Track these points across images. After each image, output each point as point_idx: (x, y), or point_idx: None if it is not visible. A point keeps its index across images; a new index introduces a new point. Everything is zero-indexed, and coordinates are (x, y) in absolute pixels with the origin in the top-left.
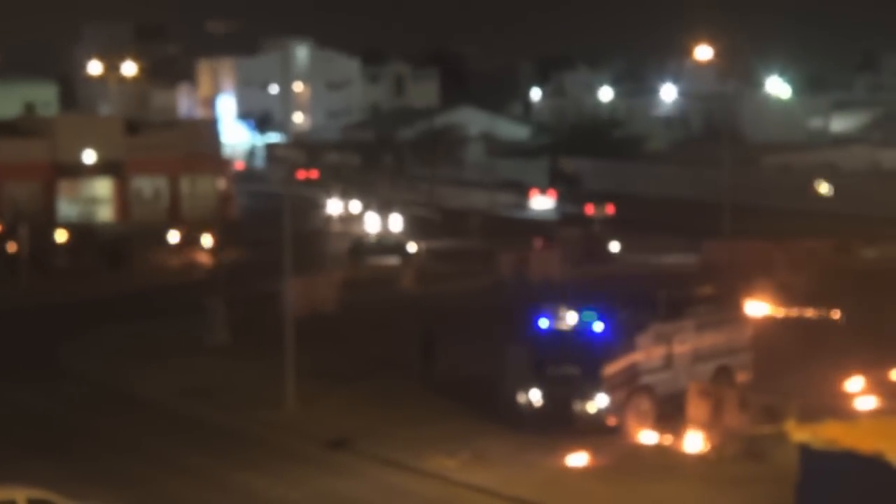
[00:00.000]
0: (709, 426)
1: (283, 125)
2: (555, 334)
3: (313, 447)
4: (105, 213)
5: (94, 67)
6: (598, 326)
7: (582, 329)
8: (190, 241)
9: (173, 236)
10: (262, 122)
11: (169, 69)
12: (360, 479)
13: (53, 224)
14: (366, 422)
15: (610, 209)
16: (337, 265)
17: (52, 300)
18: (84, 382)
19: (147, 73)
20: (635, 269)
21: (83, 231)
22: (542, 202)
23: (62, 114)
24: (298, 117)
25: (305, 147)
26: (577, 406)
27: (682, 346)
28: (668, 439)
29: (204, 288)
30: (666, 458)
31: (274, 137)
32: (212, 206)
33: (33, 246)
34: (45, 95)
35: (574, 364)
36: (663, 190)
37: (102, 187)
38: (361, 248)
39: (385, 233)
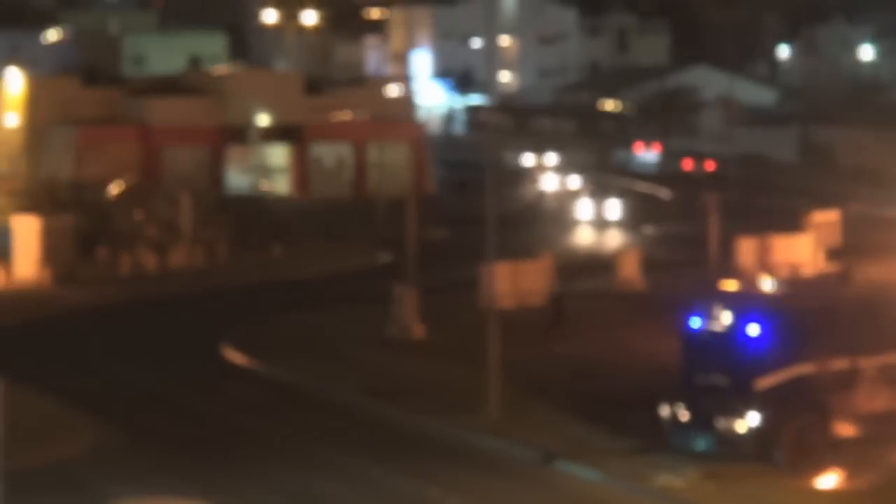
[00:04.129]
0: None
1: (487, 85)
2: (706, 337)
3: (519, 460)
4: (280, 185)
5: (269, 16)
6: (754, 330)
7: (736, 332)
8: None
9: None
10: (462, 82)
11: (355, 19)
12: (573, 500)
13: (220, 197)
14: (578, 432)
15: (709, 166)
16: (548, 250)
17: (215, 285)
18: (250, 379)
19: (330, 22)
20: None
21: (254, 206)
22: (646, 155)
23: (232, 69)
24: (505, 76)
25: (512, 111)
26: (720, 423)
27: (872, 360)
28: None
29: (391, 273)
30: None
31: (476, 99)
32: (402, 178)
33: (196, 222)
34: (212, 48)
35: (723, 373)
36: None
37: (278, 155)
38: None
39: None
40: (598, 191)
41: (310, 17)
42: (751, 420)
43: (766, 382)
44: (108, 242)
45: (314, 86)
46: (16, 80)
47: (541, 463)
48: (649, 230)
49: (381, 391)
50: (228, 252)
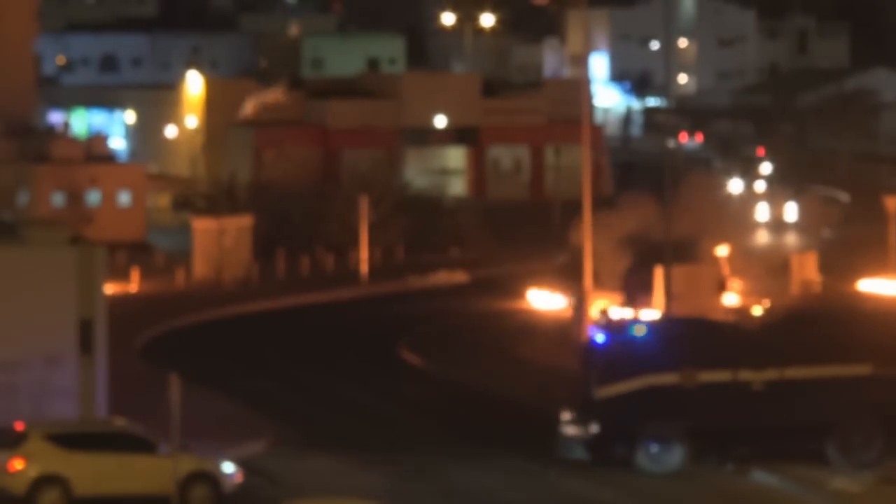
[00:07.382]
0: None
1: (665, 87)
2: (588, 350)
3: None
4: (458, 187)
5: (447, 18)
6: (600, 338)
7: (590, 342)
8: None
9: None
10: (639, 84)
11: (533, 21)
12: (747, 501)
13: (398, 198)
14: None
15: (760, 152)
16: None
17: (392, 286)
18: (426, 380)
19: (508, 25)
20: None
21: (431, 207)
22: (688, 145)
23: (409, 72)
24: (682, 78)
25: (689, 113)
26: (567, 430)
27: (754, 374)
28: None
29: (567, 276)
30: None
31: (653, 101)
32: (579, 181)
33: (374, 224)
34: (390, 51)
35: (585, 384)
36: None
37: (455, 157)
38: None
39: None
40: (777, 193)
41: (487, 20)
42: (592, 428)
43: (608, 392)
44: (287, 244)
45: (491, 88)
46: (195, 82)
47: (715, 465)
48: (827, 233)
49: (556, 393)
50: (406, 253)
